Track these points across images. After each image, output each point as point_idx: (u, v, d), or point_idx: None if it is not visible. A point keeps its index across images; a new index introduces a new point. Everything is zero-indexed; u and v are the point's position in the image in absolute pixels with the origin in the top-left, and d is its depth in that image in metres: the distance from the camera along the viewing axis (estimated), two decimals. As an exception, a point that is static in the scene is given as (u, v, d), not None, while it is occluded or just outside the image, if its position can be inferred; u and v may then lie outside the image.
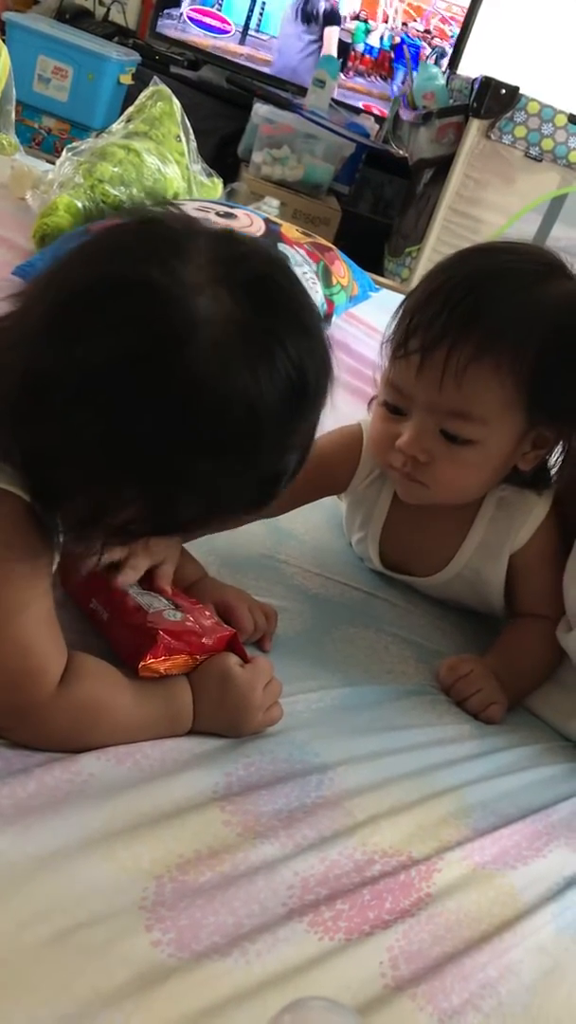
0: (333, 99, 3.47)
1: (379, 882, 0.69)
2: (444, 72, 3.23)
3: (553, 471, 1.02)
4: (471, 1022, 0.61)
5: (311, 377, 0.67)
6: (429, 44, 3.47)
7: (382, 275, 2.55)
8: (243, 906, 0.63)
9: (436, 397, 0.89)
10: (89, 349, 0.60)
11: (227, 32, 3.50)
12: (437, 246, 3.09)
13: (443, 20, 3.46)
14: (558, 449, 0.99)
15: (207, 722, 0.77)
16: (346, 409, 1.45)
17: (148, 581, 0.84)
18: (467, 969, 0.64)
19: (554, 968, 0.67)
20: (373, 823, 0.74)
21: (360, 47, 3.53)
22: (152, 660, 0.75)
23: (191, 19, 3.47)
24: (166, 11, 3.41)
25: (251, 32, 3.54)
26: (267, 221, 1.68)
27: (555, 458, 1.01)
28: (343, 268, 1.79)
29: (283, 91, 3.46)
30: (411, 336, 0.89)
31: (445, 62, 3.40)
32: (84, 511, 0.64)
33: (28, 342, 0.62)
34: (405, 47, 3.48)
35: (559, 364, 0.90)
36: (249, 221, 1.63)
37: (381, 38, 3.53)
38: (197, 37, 3.48)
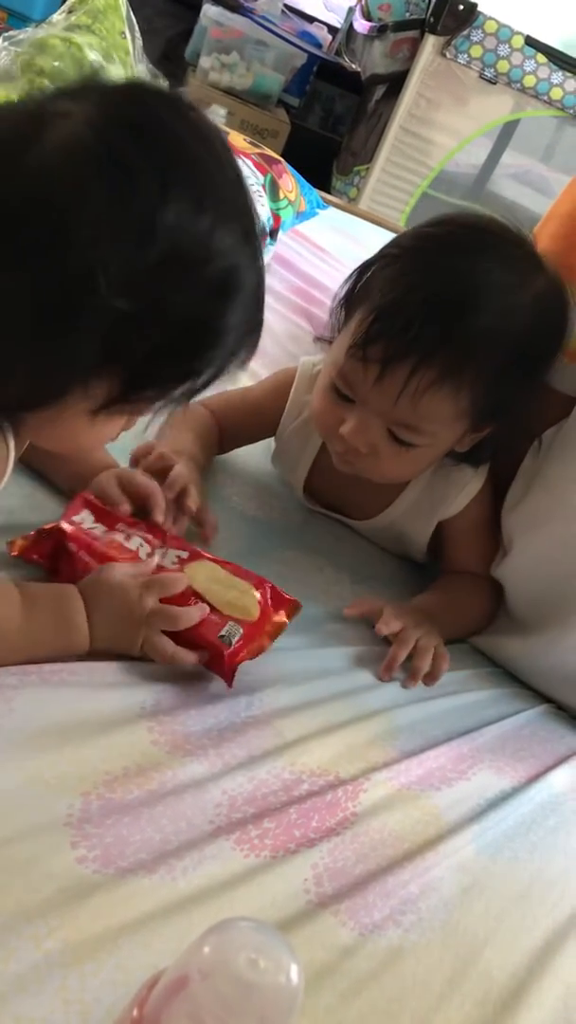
0: (286, 5, 3.34)
1: (306, 801, 0.69)
2: (402, -17, 3.13)
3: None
4: (391, 936, 0.63)
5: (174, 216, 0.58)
6: None
7: (329, 193, 2.48)
8: (170, 824, 0.63)
9: (389, 408, 0.87)
10: None
11: None
12: (386, 166, 3.03)
13: None
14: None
15: (102, 636, 0.74)
16: (292, 329, 1.43)
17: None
18: (389, 886, 0.66)
19: (472, 885, 0.69)
20: (302, 743, 0.75)
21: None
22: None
23: None
24: None
25: None
26: (214, 129, 1.62)
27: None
28: (291, 182, 1.74)
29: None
30: (372, 342, 0.85)
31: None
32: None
33: None
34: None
35: (515, 383, 0.90)
36: (195, 127, 1.57)
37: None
38: None
